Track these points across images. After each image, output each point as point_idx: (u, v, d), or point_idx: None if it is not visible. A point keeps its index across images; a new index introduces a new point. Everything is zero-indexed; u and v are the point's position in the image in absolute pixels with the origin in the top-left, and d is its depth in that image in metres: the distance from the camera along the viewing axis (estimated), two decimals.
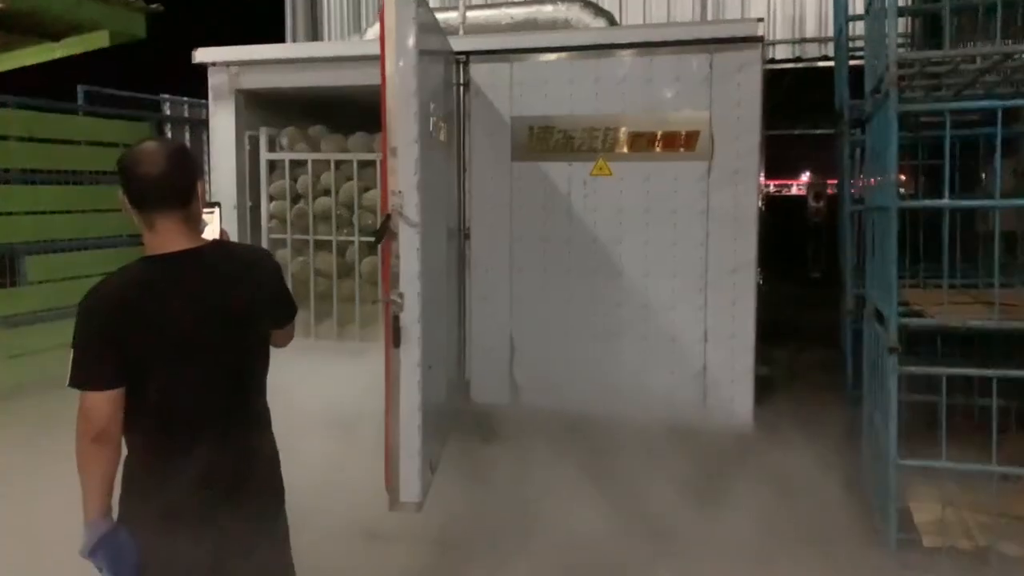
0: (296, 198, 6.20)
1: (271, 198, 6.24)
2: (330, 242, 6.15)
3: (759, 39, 4.99)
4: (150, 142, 2.29)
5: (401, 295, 3.63)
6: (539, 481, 4.45)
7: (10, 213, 5.12)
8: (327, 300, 6.27)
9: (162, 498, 2.16)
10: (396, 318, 3.64)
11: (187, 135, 6.84)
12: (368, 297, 6.14)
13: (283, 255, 6.22)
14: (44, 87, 5.21)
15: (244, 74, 5.98)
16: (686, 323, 5.01)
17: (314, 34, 9.10)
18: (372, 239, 5.90)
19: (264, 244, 6.21)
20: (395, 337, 3.63)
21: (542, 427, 4.88)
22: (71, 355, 2.09)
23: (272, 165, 6.25)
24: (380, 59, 3.60)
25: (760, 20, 4.98)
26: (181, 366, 2.15)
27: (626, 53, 5.09)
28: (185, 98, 6.72)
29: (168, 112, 6.54)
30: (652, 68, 5.04)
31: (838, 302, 6.65)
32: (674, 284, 5.01)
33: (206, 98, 6.74)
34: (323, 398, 5.44)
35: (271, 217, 6.24)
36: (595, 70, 5.13)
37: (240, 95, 6.03)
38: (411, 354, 3.66)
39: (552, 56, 5.21)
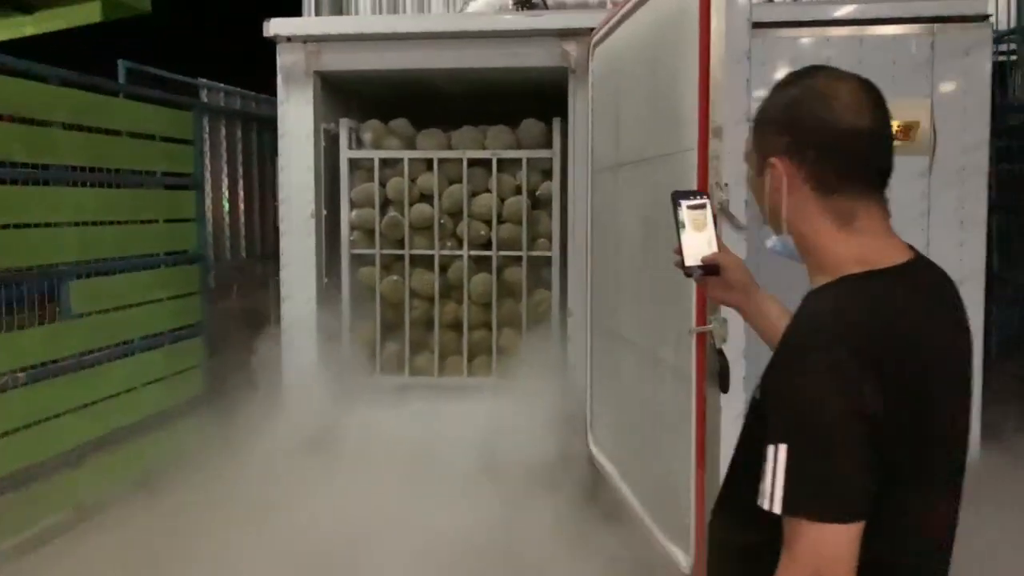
0: (385, 204, 5.11)
1: (353, 205, 5.13)
2: (430, 257, 5.08)
3: (986, 17, 4.22)
4: (823, 69, 1.31)
5: (724, 322, 2.64)
6: None
7: (54, 224, 3.89)
8: (424, 327, 5.20)
9: None
10: (719, 353, 2.65)
11: (231, 131, 5.65)
12: (477, 322, 5.09)
13: (367, 274, 5.12)
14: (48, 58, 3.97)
15: (326, 52, 4.85)
16: None
17: (338, 7, 7.84)
18: (486, 252, 4.90)
19: (344, 261, 5.10)
20: (721, 379, 2.65)
21: None
22: (783, 453, 1.14)
23: (353, 165, 5.15)
24: (701, 15, 2.62)
25: None
26: (946, 459, 1.24)
27: (833, 31, 4.24)
28: (222, 85, 5.55)
29: (206, 100, 5.37)
30: (863, 48, 4.21)
31: None
32: None
33: (243, 86, 5.60)
34: (459, 447, 4.45)
35: (352, 228, 5.12)
36: (791, 49, 4.26)
37: (318, 78, 4.91)
38: (736, 401, 2.69)
39: None
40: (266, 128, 6.12)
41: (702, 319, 2.75)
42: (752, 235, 2.66)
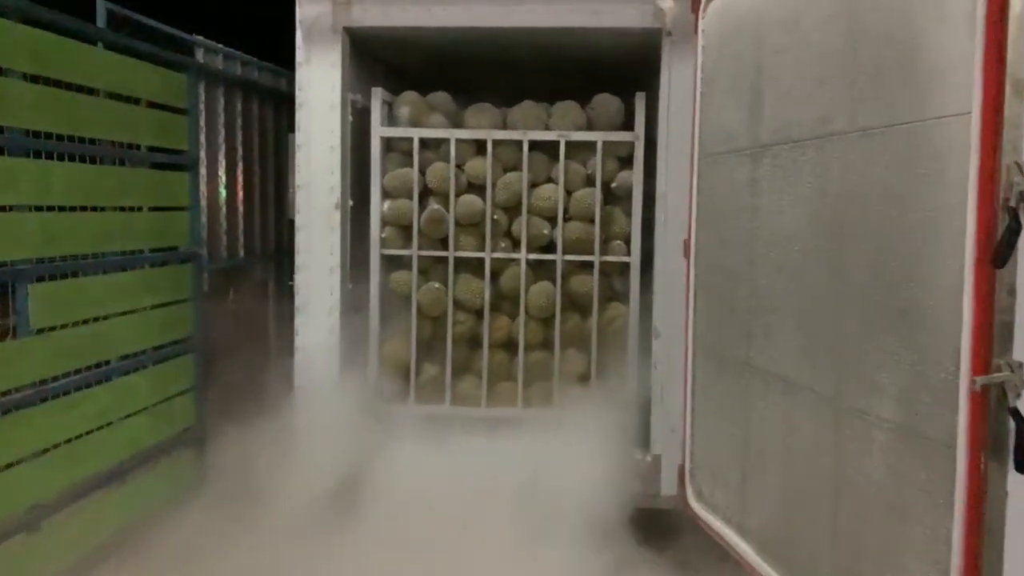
0: (425, 195, 4.17)
1: (386, 194, 4.18)
2: (479, 261, 4.15)
3: None
4: None
5: (1021, 366, 1.77)
6: None
7: (7, 208, 2.88)
8: (470, 347, 4.27)
9: None
10: (1014, 414, 1.77)
11: (232, 101, 4.63)
12: (535, 341, 4.17)
13: (402, 280, 4.17)
14: None
15: (358, 3, 3.90)
16: None
17: None
18: (548, 255, 4.00)
19: (373, 263, 4.14)
20: (1017, 453, 1.77)
21: None
22: None
23: (387, 146, 4.19)
24: None
25: None
26: None
27: None
28: (222, 46, 4.55)
29: (203, 60, 4.37)
30: None
31: None
32: None
33: (247, 52, 4.63)
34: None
35: (384, 223, 4.17)
36: None
37: (347, 36, 3.95)
38: None
39: None
40: (273, 102, 5.13)
41: (982, 363, 1.87)
42: None
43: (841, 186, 2.48)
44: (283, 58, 4.99)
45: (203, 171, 4.31)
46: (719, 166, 3.32)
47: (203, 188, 4.29)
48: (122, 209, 3.63)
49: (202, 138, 4.28)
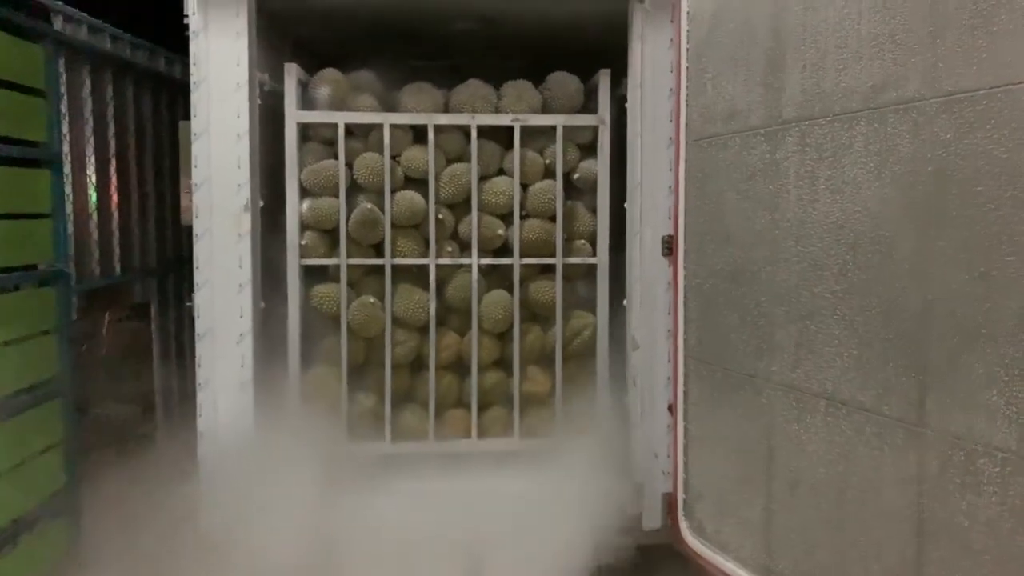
0: (353, 192, 3.48)
1: (305, 192, 3.46)
2: (421, 269, 3.50)
3: None
4: None
5: None
6: None
7: None
8: (412, 371, 3.61)
9: None
10: None
11: (100, 83, 3.74)
12: (489, 360, 3.56)
13: (327, 295, 3.47)
14: None
15: None
16: None
17: None
18: (503, 259, 3.47)
19: (292, 276, 3.42)
20: None
21: None
22: None
23: (305, 134, 3.48)
24: None
25: None
26: None
27: None
28: (85, 15, 3.67)
29: (63, 31, 3.47)
30: None
31: None
32: None
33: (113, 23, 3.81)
34: None
35: (304, 227, 3.45)
36: None
37: (258, 3, 3.22)
38: None
39: None
40: (153, 86, 4.27)
41: None
42: None
43: (916, 165, 2.05)
44: (165, 38, 4.18)
45: (67, 169, 3.43)
46: (717, 150, 2.85)
47: (68, 190, 3.41)
48: None
49: (65, 128, 3.41)
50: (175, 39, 3.68)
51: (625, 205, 3.44)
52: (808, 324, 2.43)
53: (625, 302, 3.48)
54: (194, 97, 3.19)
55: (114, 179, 3.86)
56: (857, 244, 2.25)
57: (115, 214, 3.87)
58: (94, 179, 3.69)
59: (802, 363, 2.47)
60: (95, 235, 3.69)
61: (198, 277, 3.22)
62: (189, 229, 3.30)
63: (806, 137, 2.42)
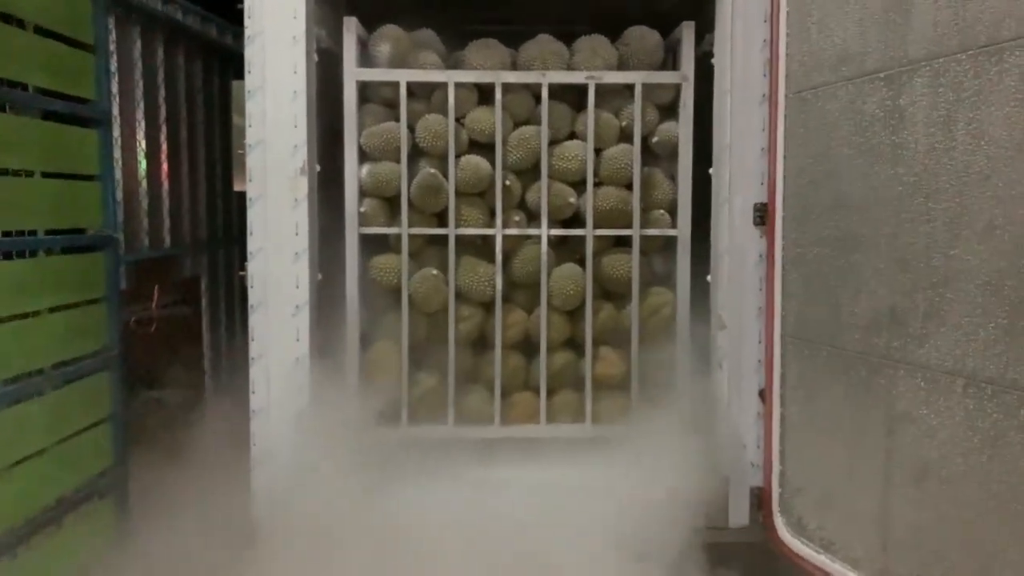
0: (415, 157, 3.25)
1: (364, 156, 3.25)
2: (487, 240, 3.26)
3: None
4: None
5: None
6: None
7: None
8: (477, 350, 3.37)
9: None
10: None
11: (151, 43, 3.56)
12: (560, 339, 3.30)
13: (387, 266, 3.24)
14: None
15: None
16: None
17: None
18: (575, 231, 3.22)
19: (350, 245, 3.21)
20: None
21: None
22: None
23: (364, 94, 3.26)
24: None
25: None
26: None
27: None
28: None
29: None
30: None
31: None
32: None
33: None
34: None
35: (364, 193, 3.24)
36: None
37: None
38: None
39: None
40: (204, 51, 4.10)
41: None
42: None
43: None
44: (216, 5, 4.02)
45: (116, 132, 3.26)
46: (824, 101, 2.54)
47: (118, 154, 3.25)
48: (3, 174, 2.58)
49: (114, 88, 3.24)
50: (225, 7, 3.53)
51: (710, 171, 3.15)
52: (942, 292, 2.12)
53: (709, 277, 3.19)
54: (248, 52, 2.97)
55: (165, 146, 3.69)
56: (1008, 196, 1.93)
57: (165, 182, 3.70)
58: (144, 145, 3.52)
59: (932, 337, 2.15)
60: (144, 204, 3.52)
61: (251, 244, 3.01)
62: (240, 205, 3.11)
63: (939, 77, 2.11)
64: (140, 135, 3.48)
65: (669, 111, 3.27)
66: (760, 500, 2.98)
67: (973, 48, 2.01)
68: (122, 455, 3.19)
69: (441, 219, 3.25)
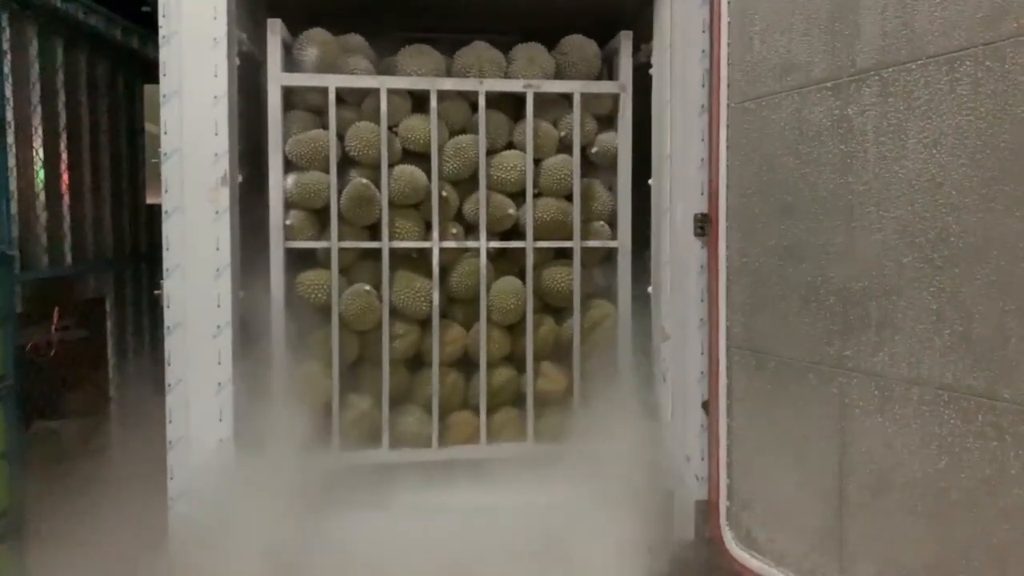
0: (344, 166, 3.08)
1: (290, 165, 3.05)
2: (422, 253, 3.11)
3: None
4: None
5: None
6: None
7: None
8: (414, 371, 3.21)
9: None
10: None
11: (47, 43, 3.25)
12: (499, 355, 3.19)
13: (315, 283, 3.05)
14: None
15: None
16: None
17: None
18: (514, 243, 3.13)
19: (275, 261, 3.00)
20: None
21: None
22: None
23: (290, 101, 3.07)
24: None
25: None
26: None
27: None
28: None
29: None
30: None
31: None
32: None
33: None
34: None
35: (289, 205, 3.04)
36: None
37: None
38: None
39: None
40: (110, 54, 3.79)
41: None
42: None
43: None
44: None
45: (9, 140, 2.96)
46: (768, 111, 2.54)
47: (13, 162, 2.94)
48: None
49: (8, 91, 2.94)
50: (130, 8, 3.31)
51: (649, 182, 3.12)
52: (895, 300, 2.12)
53: (650, 289, 3.15)
54: (163, 53, 2.75)
55: (65, 155, 3.38)
56: (962, 204, 1.95)
57: (66, 195, 3.39)
58: (42, 154, 3.22)
59: (886, 345, 2.15)
60: (43, 218, 3.22)
61: (168, 260, 2.78)
62: (151, 219, 2.87)
63: (890, 86, 2.12)
64: (38, 143, 3.17)
65: (607, 121, 3.22)
66: (706, 514, 2.94)
67: (923, 58, 2.03)
68: (19, 496, 2.87)
69: (374, 232, 3.09)
